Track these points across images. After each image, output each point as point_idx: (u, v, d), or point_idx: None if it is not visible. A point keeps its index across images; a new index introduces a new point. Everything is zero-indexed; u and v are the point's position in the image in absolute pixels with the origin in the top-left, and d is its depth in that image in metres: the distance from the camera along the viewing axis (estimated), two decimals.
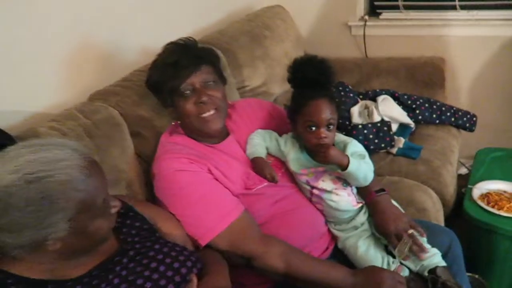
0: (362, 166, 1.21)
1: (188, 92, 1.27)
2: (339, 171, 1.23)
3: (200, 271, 1.05)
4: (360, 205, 1.31)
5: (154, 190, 1.27)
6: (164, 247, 1.05)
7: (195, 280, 1.00)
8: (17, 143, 0.91)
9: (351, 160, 1.20)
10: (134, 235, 1.06)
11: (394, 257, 1.24)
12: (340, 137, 1.32)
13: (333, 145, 1.27)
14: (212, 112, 1.28)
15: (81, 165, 0.87)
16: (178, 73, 1.25)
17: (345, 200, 1.29)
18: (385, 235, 1.25)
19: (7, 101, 1.25)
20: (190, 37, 1.35)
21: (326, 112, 1.22)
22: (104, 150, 1.23)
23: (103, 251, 0.99)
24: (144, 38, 1.70)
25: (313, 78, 1.24)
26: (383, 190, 1.32)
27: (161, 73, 1.28)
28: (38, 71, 1.34)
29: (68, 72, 1.44)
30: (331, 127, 1.23)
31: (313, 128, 1.23)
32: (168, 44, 1.33)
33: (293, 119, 1.30)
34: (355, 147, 1.27)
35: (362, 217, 1.31)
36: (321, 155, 1.21)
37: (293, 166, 1.33)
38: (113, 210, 0.96)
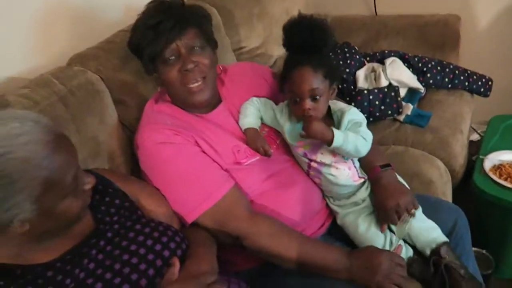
0: (350, 139, 1.11)
1: (172, 58, 1.16)
2: (326, 146, 1.14)
3: (185, 251, 0.98)
4: (361, 180, 1.22)
5: (139, 162, 1.18)
6: (145, 227, 0.98)
7: (177, 264, 0.92)
8: None
9: (336, 134, 1.10)
10: (113, 214, 0.99)
11: None
12: (339, 104, 1.21)
13: (331, 114, 1.18)
14: (199, 82, 1.18)
15: (44, 139, 0.78)
16: (160, 37, 1.13)
17: (345, 174, 1.19)
18: (384, 211, 1.16)
19: None
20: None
21: (309, 82, 1.12)
22: (81, 119, 1.14)
23: (77, 232, 0.92)
24: None
25: (305, 42, 1.12)
26: (388, 165, 1.22)
27: (142, 36, 1.16)
28: (11, 31, 1.22)
29: (44, 33, 1.32)
30: (318, 97, 1.13)
31: (298, 100, 1.14)
32: (150, 3, 1.20)
33: (282, 88, 1.20)
34: (351, 115, 1.16)
35: (364, 193, 1.22)
36: (304, 128, 1.12)
37: (289, 138, 1.23)
38: (87, 187, 0.88)
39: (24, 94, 1.09)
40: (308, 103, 1.13)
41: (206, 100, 1.21)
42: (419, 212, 1.17)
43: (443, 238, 1.17)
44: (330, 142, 1.10)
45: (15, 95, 1.08)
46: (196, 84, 1.17)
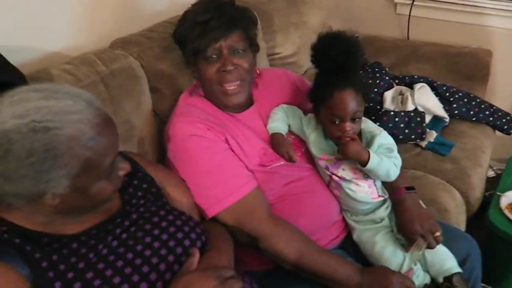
0: (384, 163, 1.12)
1: (214, 56, 1.18)
2: (359, 166, 1.15)
3: (204, 244, 0.99)
4: (381, 198, 1.22)
5: (166, 152, 1.20)
6: (169, 214, 0.99)
7: (197, 254, 0.94)
8: (29, 84, 0.83)
9: (372, 156, 1.11)
10: (140, 198, 1.01)
11: None
12: (369, 126, 1.22)
13: (360, 134, 1.19)
14: (235, 85, 1.19)
15: (93, 121, 0.79)
16: (206, 34, 1.15)
17: (364, 191, 1.20)
18: (408, 235, 1.16)
19: (22, 36, 1.18)
20: None
21: (352, 105, 1.12)
22: (119, 102, 1.16)
23: (104, 209, 0.93)
24: None
25: (337, 61, 1.12)
26: (413, 188, 1.23)
27: (189, 30, 1.19)
28: (60, 8, 1.25)
29: (91, 14, 1.36)
30: (358, 119, 1.14)
31: (337, 122, 1.14)
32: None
33: (316, 106, 1.21)
34: (383, 139, 1.17)
35: (383, 212, 1.22)
36: (340, 149, 1.14)
37: (314, 149, 1.25)
38: (121, 173, 0.89)
39: (67, 70, 1.12)
40: (349, 125, 1.13)
41: (239, 103, 1.23)
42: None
43: (457, 269, 1.16)
44: (365, 163, 1.11)
45: (59, 70, 1.11)
46: (232, 87, 1.19)
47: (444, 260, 1.16)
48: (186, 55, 1.23)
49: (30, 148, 0.73)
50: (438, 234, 1.14)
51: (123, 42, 1.31)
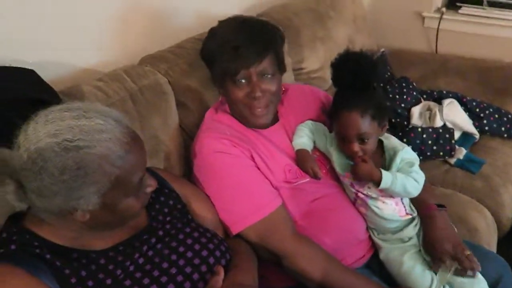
0: (399, 180, 1.11)
1: (243, 81, 1.17)
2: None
3: (228, 262, 0.99)
4: (409, 216, 1.20)
5: (192, 167, 1.21)
6: (194, 231, 1.00)
7: (222, 273, 0.94)
8: (62, 100, 0.86)
9: (384, 176, 1.10)
10: (166, 214, 1.02)
11: None
12: (392, 141, 1.20)
13: (383, 151, 1.18)
14: (262, 108, 1.20)
15: (122, 139, 0.82)
16: (237, 60, 1.14)
17: (391, 209, 1.18)
18: (437, 254, 1.13)
19: (54, 53, 1.21)
20: (260, 18, 1.24)
21: (356, 127, 1.12)
22: (147, 118, 1.18)
23: (131, 225, 0.95)
24: (201, 4, 1.61)
25: (352, 79, 1.12)
26: (443, 206, 1.20)
27: (218, 52, 1.17)
28: (89, 26, 1.29)
29: (119, 31, 1.39)
30: (367, 140, 1.13)
31: (345, 141, 1.15)
32: (234, 19, 1.21)
33: (331, 124, 1.22)
34: (405, 154, 1.15)
35: (411, 231, 1.19)
36: (351, 170, 1.14)
37: (337, 167, 1.24)
38: (148, 190, 0.91)
39: (98, 87, 1.14)
40: (356, 146, 1.13)
41: (266, 123, 1.24)
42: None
43: None
44: (377, 183, 1.11)
45: (90, 86, 1.14)
46: (259, 109, 1.20)
47: (474, 283, 1.12)
48: (213, 74, 1.24)
49: (63, 166, 0.76)
50: (468, 252, 1.11)
51: (152, 59, 1.33)
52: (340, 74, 1.15)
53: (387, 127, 1.19)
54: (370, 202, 1.19)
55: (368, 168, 1.11)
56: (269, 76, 1.18)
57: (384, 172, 1.11)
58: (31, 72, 1.06)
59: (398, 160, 1.14)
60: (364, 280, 1.10)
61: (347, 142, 1.14)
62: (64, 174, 0.76)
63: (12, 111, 0.88)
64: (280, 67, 1.25)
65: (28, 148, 0.77)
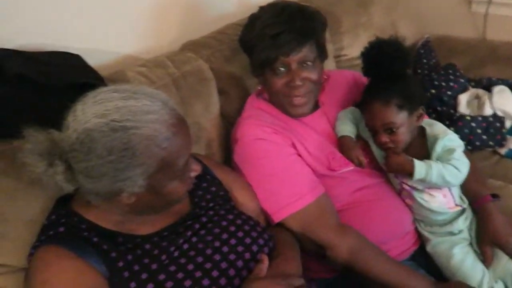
0: (434, 171, 1.05)
1: (282, 69, 1.14)
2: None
3: (271, 250, 0.98)
4: (458, 208, 1.14)
5: (232, 154, 1.20)
6: (237, 218, 0.99)
7: (266, 262, 0.92)
8: (108, 85, 0.86)
9: (417, 167, 1.05)
10: (209, 201, 1.01)
11: None
12: (435, 128, 1.14)
13: (423, 140, 1.13)
14: (301, 97, 1.16)
15: (169, 121, 0.81)
16: (276, 48, 1.11)
17: (439, 201, 1.13)
18: (500, 247, 1.08)
19: (98, 39, 1.22)
20: (301, 4, 1.19)
21: (379, 117, 1.09)
22: (189, 104, 1.17)
23: (175, 211, 0.94)
24: None
25: (383, 69, 1.10)
26: (497, 195, 1.14)
27: (257, 40, 1.14)
28: (131, 12, 1.29)
29: (161, 18, 1.39)
30: (395, 130, 1.09)
31: (373, 132, 1.12)
32: (273, 5, 1.18)
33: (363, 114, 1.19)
34: (447, 141, 1.09)
35: (462, 224, 1.14)
36: (384, 163, 1.11)
37: (378, 157, 1.19)
38: (193, 174, 0.90)
39: (141, 72, 1.14)
40: (384, 137, 1.10)
41: (305, 113, 1.21)
42: None
43: None
44: (411, 175, 1.06)
45: (134, 72, 1.14)
46: (299, 99, 1.17)
47: None
48: (252, 63, 1.21)
49: (110, 147, 0.76)
50: None
51: (194, 45, 1.33)
52: (368, 63, 1.13)
53: (424, 116, 1.14)
54: (415, 194, 1.14)
55: (400, 160, 1.08)
56: (310, 64, 1.15)
57: (417, 163, 1.06)
58: (77, 57, 1.07)
59: (438, 148, 1.08)
60: (410, 272, 1.06)
61: (375, 133, 1.12)
62: (112, 154, 0.76)
63: (61, 95, 0.88)
64: (321, 55, 1.21)
65: (77, 129, 0.77)
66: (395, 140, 1.09)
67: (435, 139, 1.10)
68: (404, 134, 1.10)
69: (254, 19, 1.19)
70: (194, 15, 1.48)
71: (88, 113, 0.77)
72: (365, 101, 1.13)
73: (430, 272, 1.14)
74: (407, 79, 1.12)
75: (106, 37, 1.24)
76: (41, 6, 1.09)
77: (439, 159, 1.08)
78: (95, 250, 0.82)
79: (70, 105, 0.80)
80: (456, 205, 1.14)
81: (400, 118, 1.08)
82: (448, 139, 1.10)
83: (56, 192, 0.88)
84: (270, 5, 1.19)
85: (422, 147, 1.13)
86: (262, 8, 1.20)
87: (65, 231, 0.84)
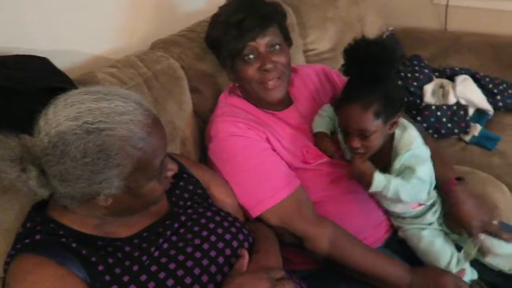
0: (392, 186, 1.04)
1: (251, 56, 1.16)
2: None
3: (251, 245, 0.99)
4: (422, 207, 1.16)
5: (207, 152, 1.20)
6: (216, 215, 0.99)
7: (246, 256, 0.94)
8: (78, 87, 0.85)
9: (376, 180, 1.04)
10: (187, 199, 1.01)
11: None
12: (403, 139, 1.10)
13: (391, 145, 1.11)
14: (275, 80, 1.18)
15: (143, 121, 0.80)
16: (242, 35, 1.13)
17: (399, 206, 1.15)
18: (467, 230, 1.12)
19: (66, 41, 1.20)
20: None
21: (355, 122, 1.05)
22: (162, 103, 1.17)
23: (153, 211, 0.94)
24: None
25: (361, 69, 1.04)
26: (463, 178, 1.18)
27: (223, 33, 1.16)
28: (99, 12, 1.27)
29: (129, 17, 1.37)
30: (368, 136, 1.06)
31: (345, 134, 1.11)
32: (233, 0, 1.21)
33: (337, 113, 1.18)
34: (406, 159, 1.07)
35: (431, 217, 1.16)
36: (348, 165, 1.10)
37: (345, 152, 1.22)
38: (169, 174, 0.90)
39: (112, 73, 1.13)
40: (355, 141, 1.07)
41: (280, 97, 1.22)
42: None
43: None
44: (367, 187, 1.06)
45: (104, 73, 1.12)
46: (272, 82, 1.18)
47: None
48: (221, 58, 1.22)
49: (84, 149, 0.75)
50: (495, 222, 1.10)
51: (164, 43, 1.31)
52: (350, 61, 1.07)
53: (398, 124, 1.10)
54: (378, 197, 1.17)
55: (363, 167, 1.06)
56: (277, 47, 1.17)
57: (377, 177, 1.05)
58: (45, 60, 1.05)
59: (397, 164, 1.08)
60: (387, 259, 1.10)
61: (347, 135, 1.10)
62: (86, 157, 0.75)
63: (30, 100, 0.86)
64: (287, 40, 1.24)
65: (49, 132, 0.75)
66: (366, 145, 1.08)
67: (396, 154, 1.10)
68: (376, 141, 1.08)
69: (216, 17, 1.22)
70: (163, 13, 1.47)
71: (60, 116, 0.76)
72: (342, 101, 1.08)
73: (405, 258, 1.17)
74: (390, 83, 1.08)
75: (74, 39, 1.22)
76: (4, 7, 1.05)
77: (400, 174, 1.08)
78: (74, 256, 0.80)
79: (41, 109, 0.78)
80: (420, 204, 1.15)
81: (375, 125, 1.05)
82: (410, 155, 1.08)
83: (31, 198, 0.86)
84: (230, 1, 1.22)
85: (388, 153, 1.12)
86: (222, 6, 1.22)
87: (41, 239, 0.82)
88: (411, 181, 1.05)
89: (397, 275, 1.06)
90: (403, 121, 1.14)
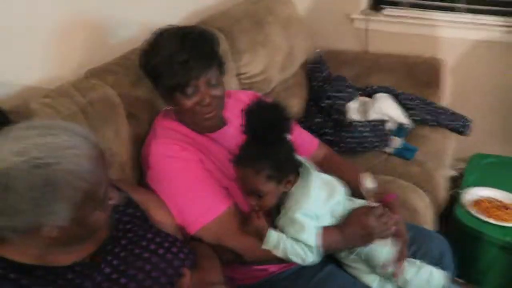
0: (281, 247, 1.08)
1: (191, 91, 1.19)
2: None
3: (193, 264, 1.03)
4: None
5: (144, 175, 1.24)
6: (156, 236, 1.02)
7: (188, 274, 0.97)
8: (13, 121, 0.86)
9: (270, 238, 1.08)
10: (126, 222, 1.03)
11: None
12: (291, 199, 1.13)
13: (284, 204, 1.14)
14: (212, 112, 1.23)
15: (90, 154, 0.83)
16: (187, 73, 1.16)
17: None
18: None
19: None
20: (196, 26, 1.27)
21: (249, 183, 1.09)
22: (99, 131, 1.18)
23: (95, 237, 0.95)
24: (144, 13, 1.62)
25: (258, 131, 1.07)
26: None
27: (166, 67, 1.17)
28: (31, 41, 1.27)
29: (62, 45, 1.37)
30: (262, 195, 1.09)
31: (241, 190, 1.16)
32: (173, 32, 1.21)
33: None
34: (288, 223, 1.10)
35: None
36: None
37: None
38: (112, 202, 0.92)
39: (46, 103, 1.13)
40: (251, 200, 1.11)
41: (215, 125, 1.28)
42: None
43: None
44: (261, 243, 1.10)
45: (38, 104, 1.12)
46: (209, 115, 1.23)
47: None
48: (160, 88, 1.24)
49: (30, 183, 0.76)
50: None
51: (98, 71, 1.33)
52: (247, 123, 1.09)
53: (293, 182, 1.13)
54: None
55: (259, 225, 1.10)
56: (215, 81, 1.22)
57: (271, 235, 1.09)
58: None
59: (279, 221, 1.12)
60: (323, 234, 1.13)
61: (243, 192, 1.15)
62: (32, 191, 0.76)
63: None
64: (222, 71, 1.29)
65: None
66: (261, 204, 1.11)
67: (284, 211, 1.13)
68: (270, 201, 1.11)
69: (156, 45, 1.21)
70: (96, 41, 1.49)
71: (4, 151, 0.76)
72: (238, 161, 1.10)
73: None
74: (282, 146, 1.10)
75: (4, 68, 1.20)
76: None
77: (287, 234, 1.10)
78: (13, 286, 0.80)
79: None
80: None
81: (268, 187, 1.08)
82: (288, 219, 1.10)
83: None
84: (169, 33, 1.21)
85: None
86: (161, 35, 1.22)
87: None
88: (301, 245, 1.08)
89: (336, 241, 1.14)
90: (304, 172, 1.15)
